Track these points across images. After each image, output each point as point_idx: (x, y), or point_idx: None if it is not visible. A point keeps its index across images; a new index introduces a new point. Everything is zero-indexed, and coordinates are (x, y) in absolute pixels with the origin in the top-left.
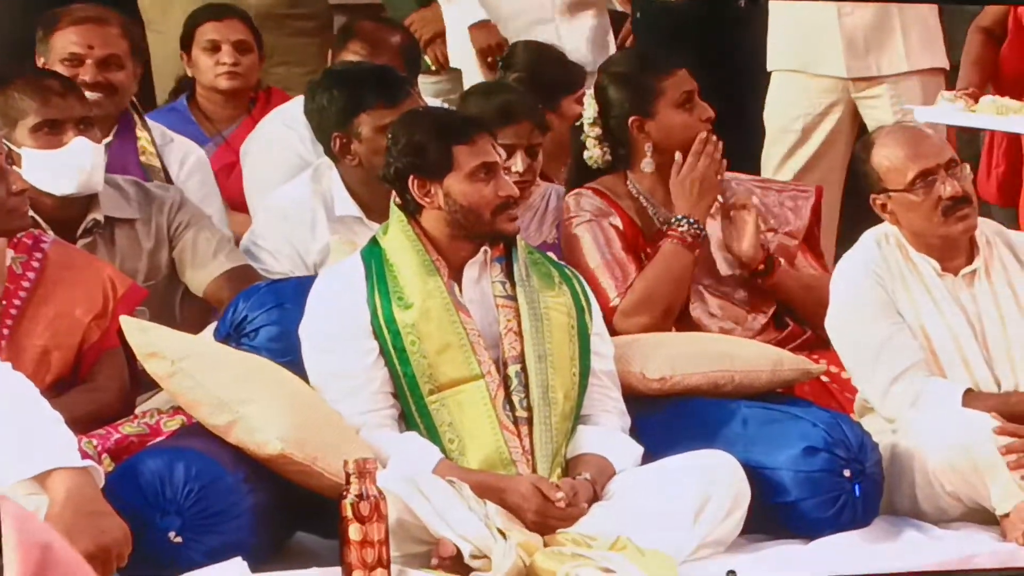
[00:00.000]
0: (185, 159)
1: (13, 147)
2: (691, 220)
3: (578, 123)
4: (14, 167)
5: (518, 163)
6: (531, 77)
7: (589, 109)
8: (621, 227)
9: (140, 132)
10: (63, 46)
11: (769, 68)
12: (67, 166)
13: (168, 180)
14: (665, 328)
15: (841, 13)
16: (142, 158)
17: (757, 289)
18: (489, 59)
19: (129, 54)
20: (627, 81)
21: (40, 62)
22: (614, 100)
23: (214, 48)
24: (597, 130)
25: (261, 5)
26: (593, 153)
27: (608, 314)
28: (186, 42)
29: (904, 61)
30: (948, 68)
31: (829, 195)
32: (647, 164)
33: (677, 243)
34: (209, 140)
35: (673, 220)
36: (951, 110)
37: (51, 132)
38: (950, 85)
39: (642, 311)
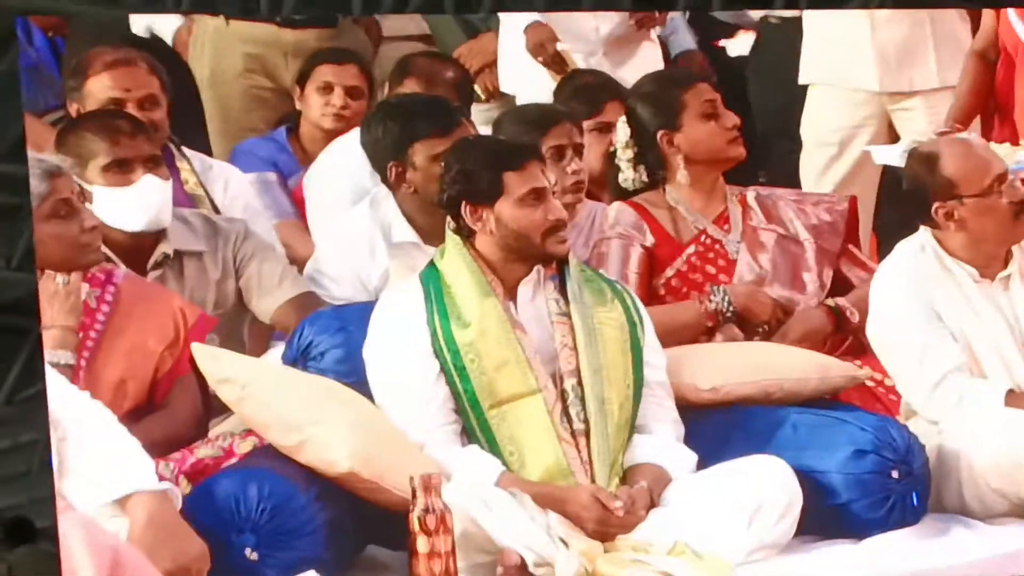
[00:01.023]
0: (227, 184)
1: (85, 185)
2: (729, 300)
3: (612, 149)
4: (86, 204)
5: (571, 163)
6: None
7: (621, 133)
8: (651, 244)
9: (180, 163)
10: (101, 91)
11: (802, 81)
12: (137, 203)
13: (213, 205)
14: None
15: (874, 28)
16: (186, 188)
17: (800, 293)
18: (540, 58)
19: (161, 90)
20: (652, 99)
21: (74, 108)
22: (642, 119)
23: (327, 89)
24: (630, 152)
25: (300, 41)
26: (628, 175)
27: None
28: (302, 79)
29: (935, 77)
30: None
31: (864, 207)
32: (682, 176)
33: (702, 309)
34: (301, 169)
35: (716, 290)
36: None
37: (121, 171)
38: None
39: None
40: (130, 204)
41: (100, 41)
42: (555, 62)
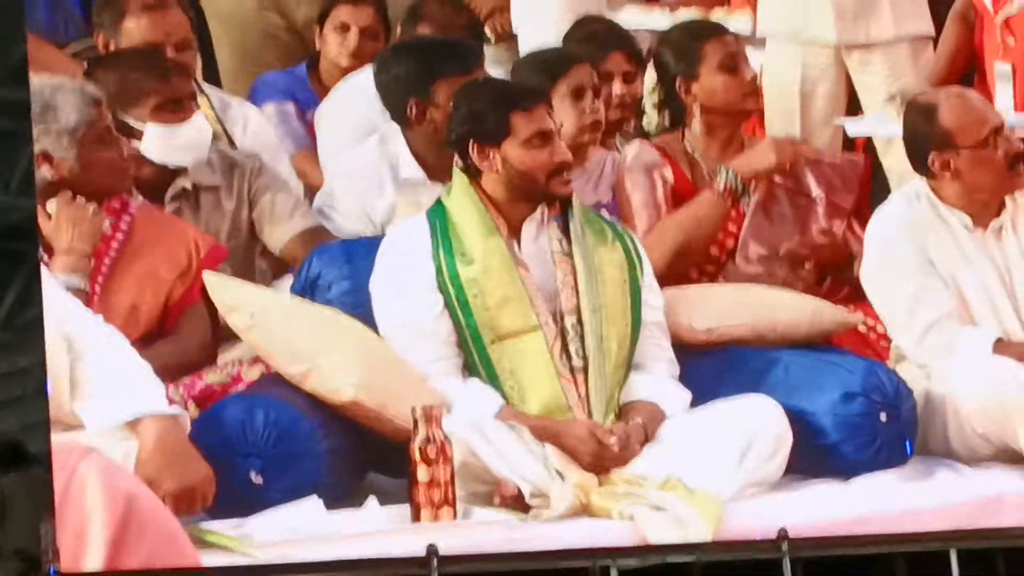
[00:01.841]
0: (247, 123)
1: (133, 122)
2: (735, 174)
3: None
4: (132, 140)
5: (588, 102)
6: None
7: (648, 77)
8: (671, 180)
9: (200, 99)
10: (139, 34)
11: (759, 35)
12: (190, 141)
13: (230, 140)
14: (681, 271)
15: None
16: None
17: (807, 248)
18: None
19: (192, 31)
20: (674, 46)
21: (101, 42)
22: (665, 65)
23: (344, 29)
24: (655, 97)
25: None
26: (652, 118)
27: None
28: (321, 19)
29: (892, 28)
30: (934, 35)
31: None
32: (696, 125)
33: (712, 193)
34: (319, 104)
35: (719, 168)
36: (880, 121)
37: (175, 109)
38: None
39: (660, 252)
40: (183, 142)
41: None
42: None
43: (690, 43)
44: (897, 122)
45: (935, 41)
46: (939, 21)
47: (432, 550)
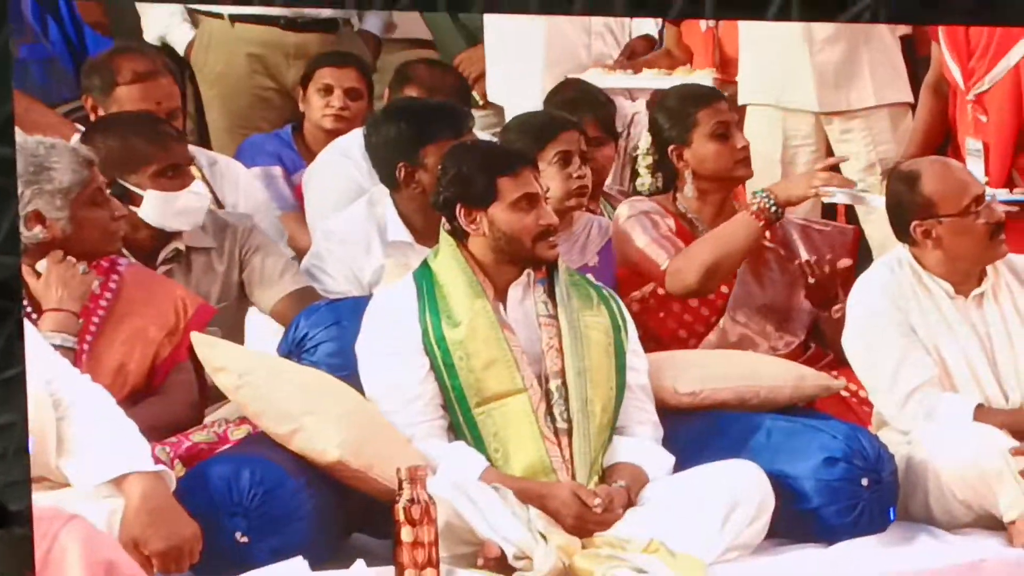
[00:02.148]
0: (237, 182)
1: (132, 187)
2: (772, 198)
3: (634, 153)
4: (131, 206)
5: (576, 167)
6: None
7: (643, 139)
8: (673, 227)
9: None
10: (131, 102)
11: (741, 102)
12: (187, 207)
13: (216, 199)
14: (708, 292)
15: (813, 50)
16: None
17: (793, 313)
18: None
19: (179, 98)
20: (668, 111)
21: (89, 104)
22: (659, 129)
23: (327, 91)
24: (649, 159)
25: (302, 43)
26: (645, 180)
27: (660, 279)
28: (304, 81)
29: (872, 95)
30: (913, 102)
31: None
32: (688, 189)
33: (748, 214)
34: (305, 165)
35: (756, 192)
36: (855, 191)
37: (173, 176)
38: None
39: (690, 268)
40: (179, 208)
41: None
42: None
43: (684, 109)
44: (875, 192)
45: (913, 108)
46: (917, 89)
47: None
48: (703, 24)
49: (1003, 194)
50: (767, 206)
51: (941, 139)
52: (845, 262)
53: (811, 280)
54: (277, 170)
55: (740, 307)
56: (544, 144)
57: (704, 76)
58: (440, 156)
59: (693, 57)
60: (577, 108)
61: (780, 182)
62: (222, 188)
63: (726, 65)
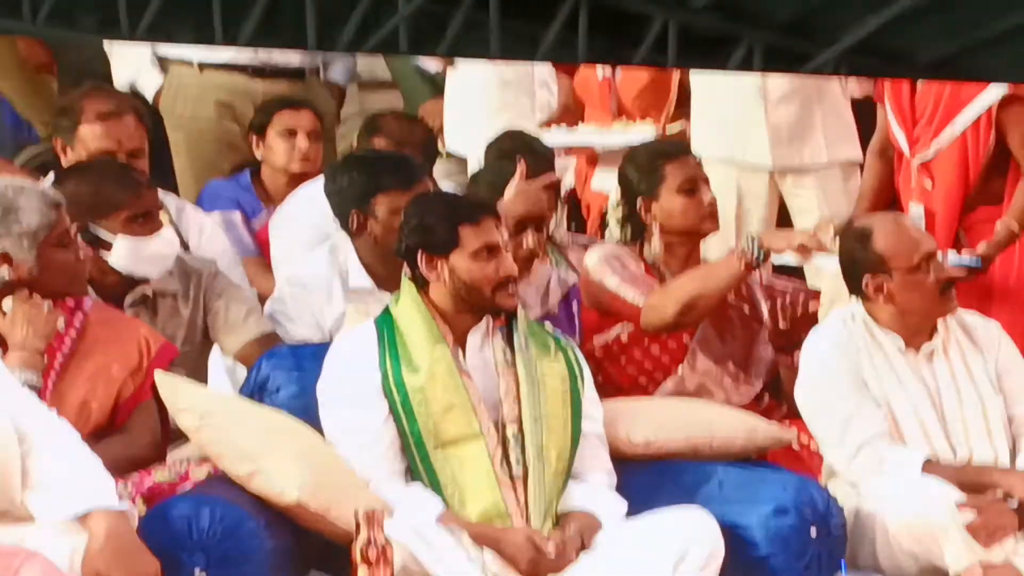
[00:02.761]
0: (202, 229)
1: (103, 233)
2: (760, 246)
3: (603, 209)
4: (101, 251)
5: (530, 239)
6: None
7: (613, 192)
8: (643, 269)
9: None
10: (93, 140)
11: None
12: (157, 253)
13: (184, 245)
14: (684, 327)
15: (768, 109)
16: None
17: (751, 366)
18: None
19: (145, 140)
20: (637, 166)
21: (60, 145)
22: (628, 182)
23: (290, 134)
24: (619, 212)
25: (268, 92)
26: (614, 232)
27: (634, 316)
28: (259, 128)
29: (825, 152)
30: (863, 161)
31: None
32: (655, 242)
33: (733, 256)
34: (264, 210)
35: (745, 238)
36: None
37: (144, 223)
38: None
39: (668, 302)
40: (152, 254)
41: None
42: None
43: (652, 163)
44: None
45: (861, 166)
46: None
47: None
48: (599, 73)
49: (953, 256)
50: (751, 250)
51: (888, 202)
52: (815, 305)
53: (782, 326)
54: (236, 215)
55: (699, 356)
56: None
57: (646, 129)
58: (391, 206)
59: (585, 109)
60: (513, 153)
61: (766, 231)
62: (187, 233)
63: (622, 114)
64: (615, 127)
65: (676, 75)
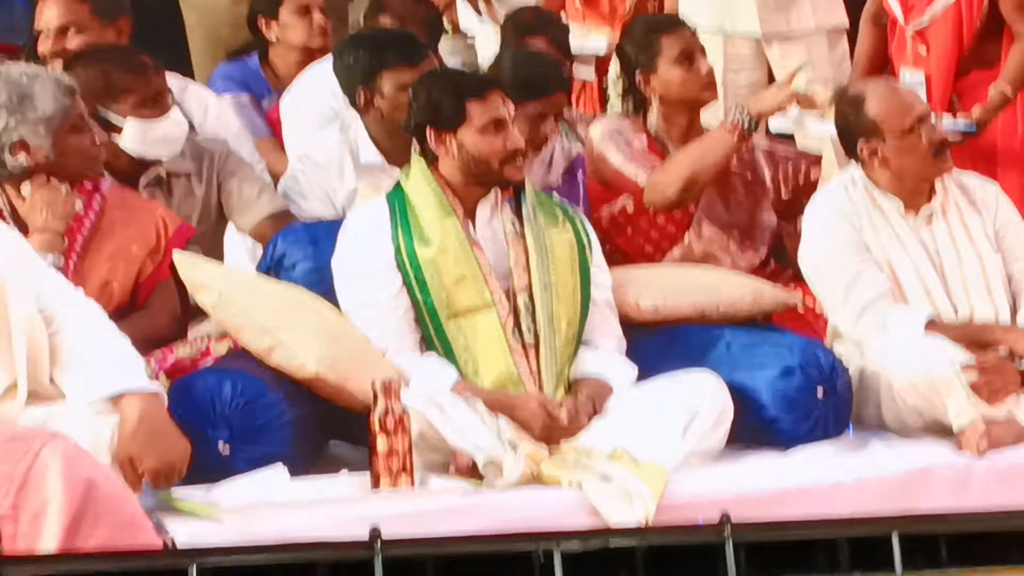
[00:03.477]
0: (207, 108)
1: (113, 117)
2: (749, 115)
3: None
4: (112, 134)
5: (547, 128)
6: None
7: (613, 66)
8: (645, 145)
9: None
10: (47, 21)
11: None
12: (167, 135)
13: (189, 124)
14: (686, 204)
15: None
16: None
17: (756, 232)
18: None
19: (92, 15)
20: (634, 40)
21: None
22: (627, 56)
23: (305, 11)
24: (619, 86)
25: None
26: (616, 105)
27: (637, 193)
28: (272, 7)
29: (812, 18)
30: (848, 27)
31: None
32: (655, 113)
33: (724, 128)
34: (273, 92)
35: (734, 108)
36: (808, 119)
37: (154, 105)
38: (851, 43)
39: (668, 182)
40: (162, 136)
41: None
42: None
43: (648, 37)
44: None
45: (850, 35)
46: (853, 15)
47: (375, 534)
48: None
49: (948, 120)
50: (740, 120)
51: (882, 69)
52: (816, 172)
53: (784, 195)
54: (246, 98)
55: (704, 224)
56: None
57: (599, 38)
58: (396, 82)
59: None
60: (534, 30)
61: (751, 97)
62: (192, 112)
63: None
64: (573, 32)
65: None
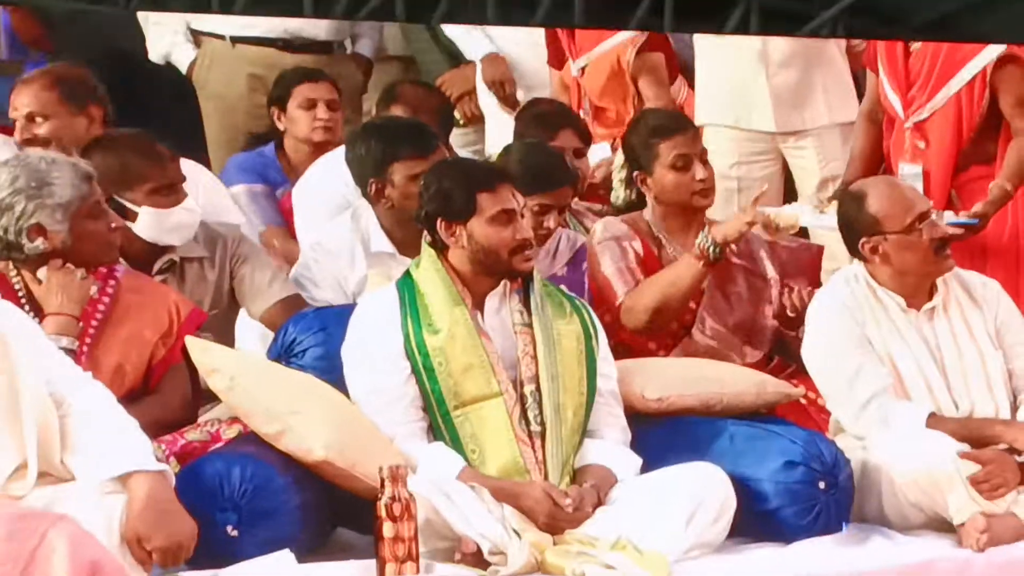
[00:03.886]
0: (198, 184)
1: (129, 204)
2: (716, 241)
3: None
4: (127, 221)
5: (551, 221)
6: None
7: (618, 156)
8: (640, 251)
9: None
10: (18, 108)
11: (699, 122)
12: (180, 223)
13: None
14: (658, 330)
15: (769, 74)
16: None
17: (758, 328)
18: (496, 91)
19: (60, 103)
20: (636, 136)
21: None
22: (628, 154)
23: (311, 105)
24: (623, 174)
25: (298, 64)
26: (620, 194)
27: (616, 312)
28: (281, 101)
29: (826, 116)
30: None
31: None
32: (647, 212)
33: (693, 257)
34: (287, 182)
35: (701, 235)
36: (802, 212)
37: (169, 193)
38: None
39: (639, 309)
40: (172, 224)
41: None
42: (509, 102)
43: (647, 139)
44: (819, 210)
45: None
46: None
47: None
48: (573, 69)
49: (950, 215)
50: (707, 247)
51: (878, 165)
52: (818, 263)
53: (791, 314)
54: (259, 188)
55: (708, 322)
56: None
57: (602, 147)
58: (407, 173)
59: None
60: (553, 122)
61: (717, 224)
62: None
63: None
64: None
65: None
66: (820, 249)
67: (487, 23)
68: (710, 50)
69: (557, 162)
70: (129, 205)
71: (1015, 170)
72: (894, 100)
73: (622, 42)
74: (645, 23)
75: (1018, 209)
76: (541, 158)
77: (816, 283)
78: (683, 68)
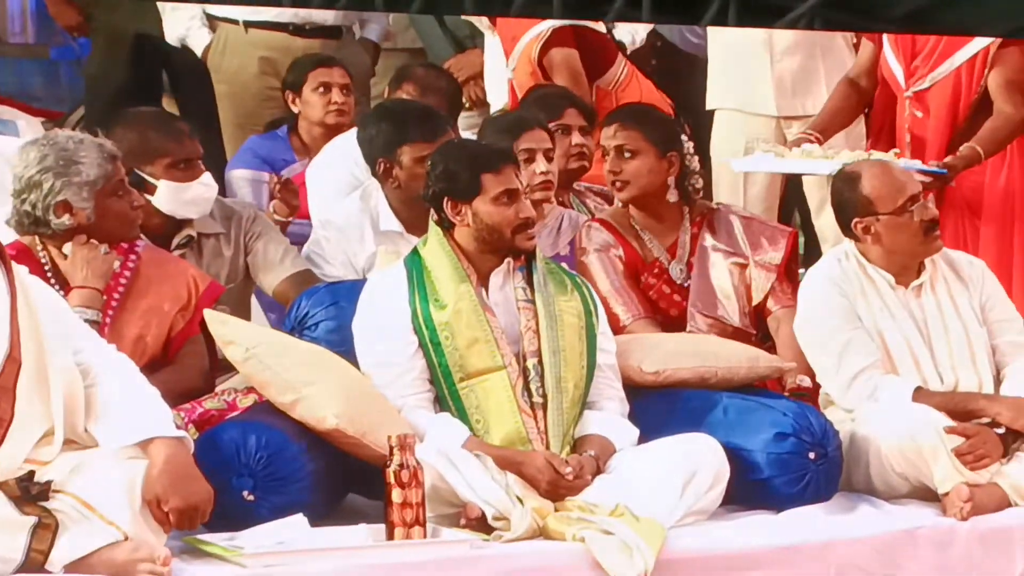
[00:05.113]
0: None
1: (148, 178)
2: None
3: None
4: (145, 194)
5: (541, 164)
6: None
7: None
8: (624, 256)
9: None
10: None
11: (709, 107)
12: (197, 196)
13: None
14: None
15: (773, 60)
16: None
17: (743, 315)
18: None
19: None
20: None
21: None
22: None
23: (325, 89)
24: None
25: (307, 50)
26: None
27: (620, 331)
28: (296, 85)
29: None
30: (865, 111)
31: (769, 216)
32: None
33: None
34: (296, 161)
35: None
36: (764, 159)
37: (186, 168)
38: (867, 121)
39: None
40: (193, 197)
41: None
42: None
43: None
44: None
45: (866, 115)
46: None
47: None
48: (507, 72)
49: (918, 163)
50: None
51: (845, 125)
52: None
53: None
54: (264, 175)
55: (697, 315)
56: (510, 143)
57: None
58: (414, 155)
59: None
60: (557, 103)
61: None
62: None
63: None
64: None
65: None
66: (794, 233)
67: (465, 14)
68: (720, 40)
69: (519, 114)
70: (148, 178)
71: (987, 137)
72: (896, 69)
73: (530, 40)
74: (623, 15)
75: (1012, 167)
76: (506, 116)
77: (793, 262)
78: (692, 61)
